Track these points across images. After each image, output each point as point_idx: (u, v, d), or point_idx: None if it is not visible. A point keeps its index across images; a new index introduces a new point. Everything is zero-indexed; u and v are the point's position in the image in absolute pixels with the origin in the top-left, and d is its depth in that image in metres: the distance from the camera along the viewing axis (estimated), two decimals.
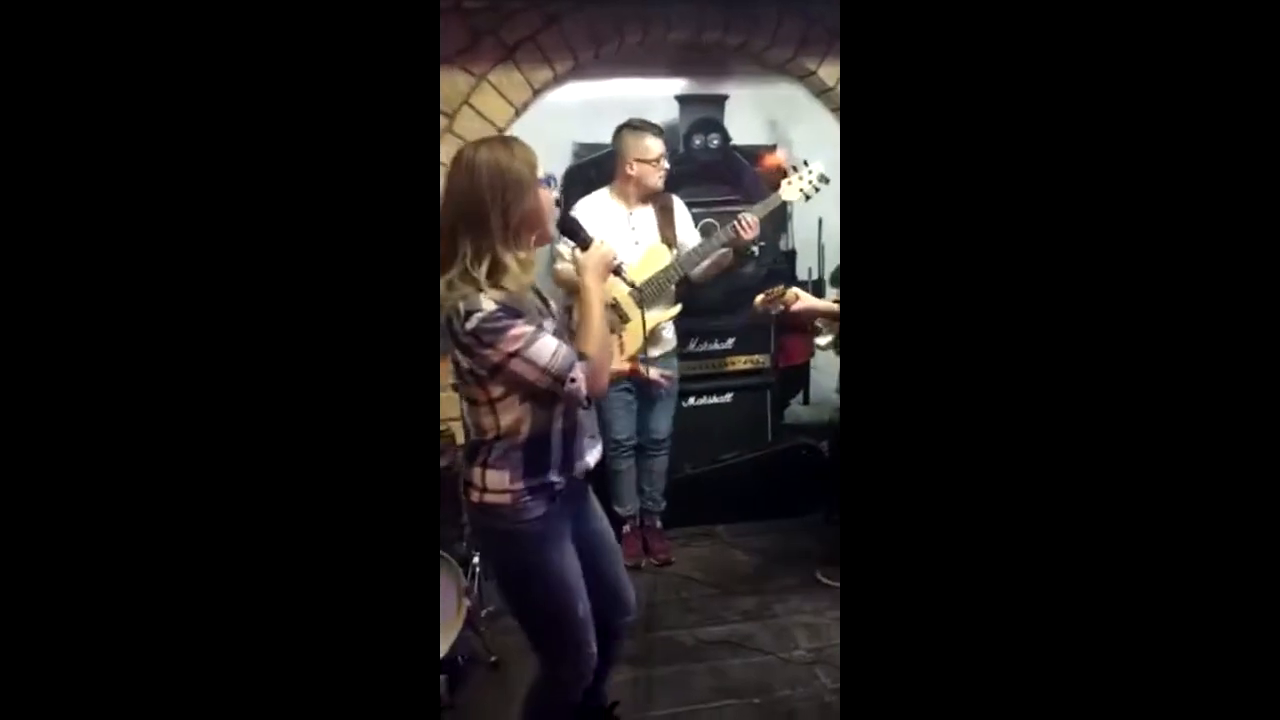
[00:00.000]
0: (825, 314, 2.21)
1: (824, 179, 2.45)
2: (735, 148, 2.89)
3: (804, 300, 2.10)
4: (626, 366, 1.95)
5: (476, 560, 2.27)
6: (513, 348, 1.24)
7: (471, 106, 2.85)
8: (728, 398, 2.95)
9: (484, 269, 1.24)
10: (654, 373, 1.88)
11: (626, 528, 2.69)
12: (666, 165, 2.47)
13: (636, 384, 2.54)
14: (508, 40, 2.81)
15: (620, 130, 2.45)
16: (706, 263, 2.47)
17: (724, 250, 2.45)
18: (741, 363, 2.95)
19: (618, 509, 2.66)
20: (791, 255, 3.08)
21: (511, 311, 1.24)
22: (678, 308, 2.50)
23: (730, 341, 2.92)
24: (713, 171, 2.86)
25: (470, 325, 1.22)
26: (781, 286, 2.13)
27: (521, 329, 1.24)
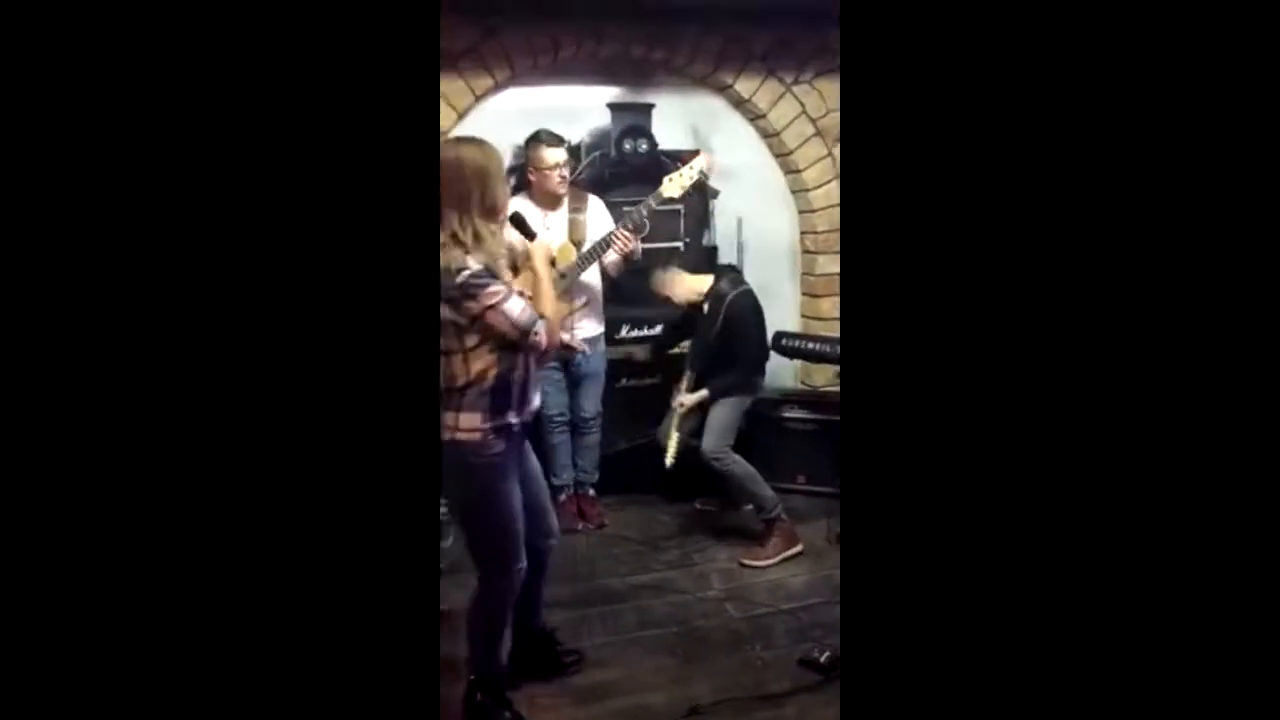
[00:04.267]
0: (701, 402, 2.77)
1: (704, 174, 2.78)
2: (662, 151, 3.20)
3: (686, 403, 2.72)
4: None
5: None
6: (491, 301, 1.56)
7: None
8: (657, 379, 3.25)
9: (469, 237, 1.56)
10: (576, 340, 2.43)
11: (562, 496, 2.95)
12: (565, 174, 2.71)
13: (563, 365, 2.82)
14: (451, 50, 3.05)
15: (526, 142, 2.73)
16: (589, 265, 2.69)
17: (612, 256, 2.69)
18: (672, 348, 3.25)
19: (554, 480, 2.91)
20: (713, 251, 3.40)
21: (491, 273, 1.57)
22: (578, 301, 2.69)
23: (659, 328, 3.22)
24: (641, 173, 3.15)
25: (459, 280, 1.54)
26: (676, 422, 2.76)
27: (498, 287, 1.57)
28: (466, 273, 1.54)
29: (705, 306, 2.77)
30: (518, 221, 1.79)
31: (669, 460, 2.77)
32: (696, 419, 2.81)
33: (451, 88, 3.08)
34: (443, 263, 1.54)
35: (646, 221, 2.71)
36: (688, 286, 2.79)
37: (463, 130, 3.13)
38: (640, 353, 3.17)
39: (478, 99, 3.13)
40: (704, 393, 2.73)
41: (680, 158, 3.24)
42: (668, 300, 2.85)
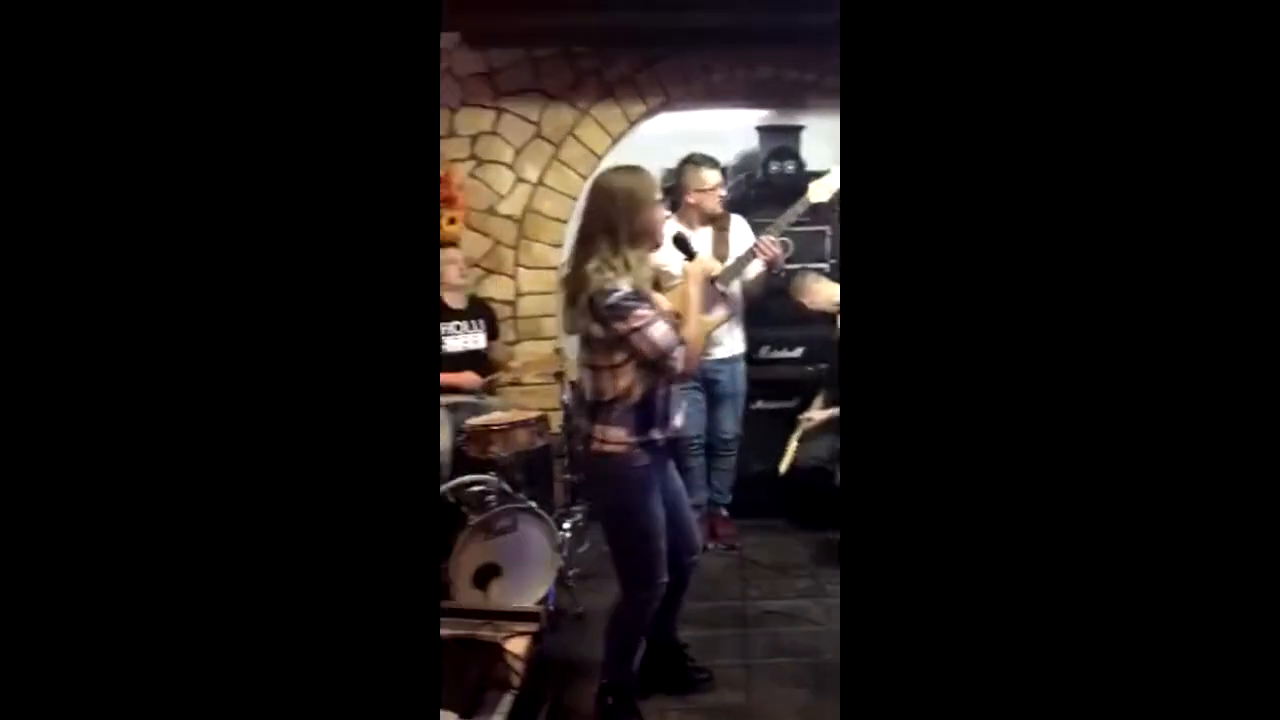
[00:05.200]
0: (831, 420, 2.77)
1: None
2: (809, 173, 3.17)
3: (815, 420, 2.78)
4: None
5: (567, 527, 2.62)
6: (636, 324, 1.63)
7: (575, 137, 3.25)
8: (794, 402, 3.20)
9: (619, 263, 1.64)
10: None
11: (695, 515, 2.98)
12: (723, 193, 2.73)
13: (704, 384, 2.84)
14: (609, 79, 3.21)
15: (682, 164, 2.76)
16: (739, 276, 2.70)
17: (758, 267, 2.68)
18: (810, 370, 3.20)
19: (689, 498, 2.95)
20: None
21: (640, 296, 1.64)
22: (721, 314, 2.65)
23: (799, 350, 3.17)
24: (785, 194, 3.13)
25: (610, 301, 1.62)
26: (798, 436, 2.78)
27: (645, 311, 1.64)
28: (617, 294, 1.61)
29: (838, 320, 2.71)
30: (680, 242, 1.84)
31: (782, 468, 2.72)
32: (834, 442, 2.73)
33: (607, 114, 3.24)
34: (594, 285, 1.63)
35: (791, 219, 2.67)
36: (825, 295, 2.73)
37: (616, 154, 3.28)
38: (779, 374, 3.14)
39: (632, 124, 3.27)
40: (835, 411, 2.65)
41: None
42: (802, 307, 2.80)
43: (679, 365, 1.67)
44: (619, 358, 1.67)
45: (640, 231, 1.67)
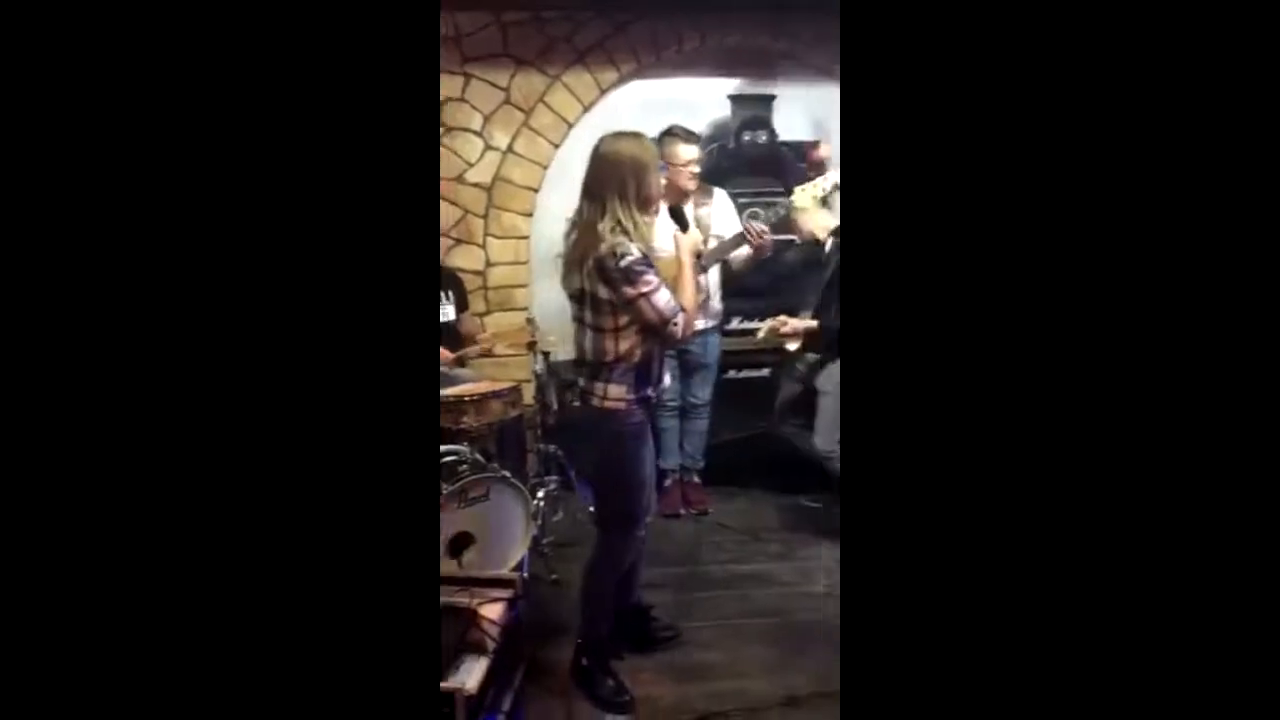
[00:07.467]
0: (806, 331, 2.73)
1: (836, 186, 2.65)
2: (782, 143, 3.17)
3: (790, 324, 2.73)
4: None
5: (541, 495, 2.64)
6: (644, 290, 1.66)
7: (546, 104, 3.20)
8: (765, 372, 3.24)
9: (630, 225, 1.66)
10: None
11: (668, 481, 3.02)
12: (696, 169, 2.65)
13: (678, 354, 2.87)
14: (579, 46, 3.16)
15: (660, 137, 2.68)
16: (719, 259, 2.70)
17: (745, 251, 2.65)
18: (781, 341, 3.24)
19: (662, 464, 2.97)
20: None
21: (649, 263, 1.67)
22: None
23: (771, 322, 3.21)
24: (760, 165, 3.15)
25: (623, 264, 1.64)
26: (771, 321, 2.77)
27: (653, 278, 1.67)
28: (630, 258, 1.63)
29: (828, 244, 2.76)
30: (675, 213, 1.85)
31: (759, 335, 2.84)
32: (802, 405, 2.77)
33: (578, 81, 3.20)
34: (607, 245, 1.63)
35: (771, 224, 2.67)
36: (818, 223, 2.77)
37: (588, 121, 3.24)
38: (751, 344, 3.17)
39: (603, 92, 3.23)
40: (812, 323, 2.68)
41: (801, 148, 3.22)
42: (792, 231, 2.84)
43: (679, 333, 1.72)
44: (622, 321, 1.70)
45: (646, 196, 1.69)
